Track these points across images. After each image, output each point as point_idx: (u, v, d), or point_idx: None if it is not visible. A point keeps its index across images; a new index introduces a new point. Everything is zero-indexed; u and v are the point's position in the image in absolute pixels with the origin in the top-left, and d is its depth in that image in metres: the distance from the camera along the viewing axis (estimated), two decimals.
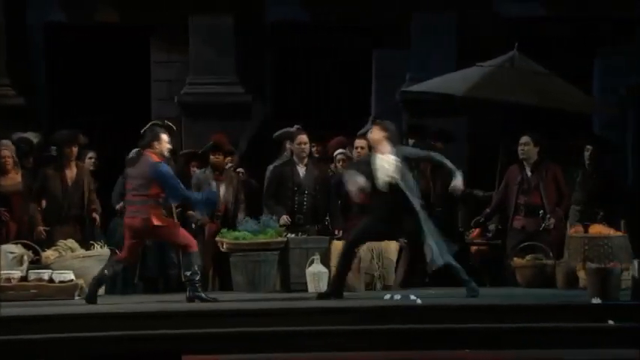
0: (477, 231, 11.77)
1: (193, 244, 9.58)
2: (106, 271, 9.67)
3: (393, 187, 9.54)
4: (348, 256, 9.77)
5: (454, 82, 11.25)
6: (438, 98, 12.15)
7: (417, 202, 9.53)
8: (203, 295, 9.51)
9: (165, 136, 9.58)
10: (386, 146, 9.66)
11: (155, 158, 9.50)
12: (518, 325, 8.51)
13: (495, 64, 11.10)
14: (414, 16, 13.69)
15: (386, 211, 9.59)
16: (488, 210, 11.26)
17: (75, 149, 11.11)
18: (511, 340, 8.37)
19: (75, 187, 11.05)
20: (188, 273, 9.49)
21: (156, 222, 9.45)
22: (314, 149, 11.54)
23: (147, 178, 9.45)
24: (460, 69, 11.59)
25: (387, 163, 9.59)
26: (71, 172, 11.10)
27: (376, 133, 9.74)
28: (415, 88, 11.88)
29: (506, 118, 12.36)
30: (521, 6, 13.80)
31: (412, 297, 9.28)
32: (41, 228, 10.90)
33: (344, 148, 11.63)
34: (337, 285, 9.72)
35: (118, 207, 11.24)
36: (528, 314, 8.69)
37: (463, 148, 13.10)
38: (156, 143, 9.54)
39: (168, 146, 9.63)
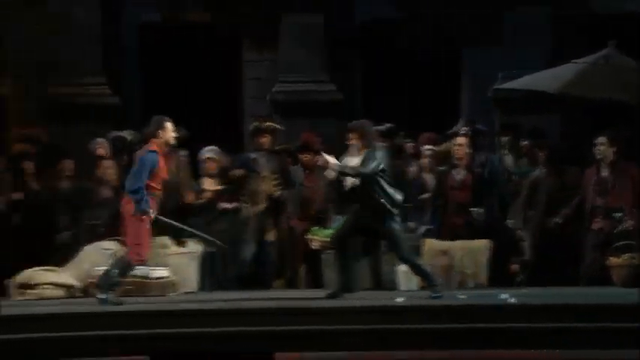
0: None
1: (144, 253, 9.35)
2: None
3: (356, 188, 9.52)
4: (339, 253, 9.71)
5: (546, 79, 11.13)
6: (530, 96, 12.03)
7: (386, 199, 9.43)
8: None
9: (170, 125, 9.44)
10: (354, 149, 9.62)
11: (154, 147, 9.39)
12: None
13: (589, 61, 10.92)
14: (507, 14, 13.58)
15: (357, 207, 9.59)
16: (567, 210, 10.92)
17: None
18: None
19: (174, 178, 11.07)
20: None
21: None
22: (409, 145, 11.61)
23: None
24: (555, 66, 11.46)
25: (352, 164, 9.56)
26: (171, 165, 11.12)
27: (352, 138, 9.64)
28: (507, 85, 11.78)
29: (598, 115, 12.19)
30: (617, 1, 13.60)
31: (503, 296, 9.20)
32: None
33: (433, 144, 11.63)
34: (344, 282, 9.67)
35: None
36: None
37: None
38: (160, 132, 9.43)
39: (174, 134, 9.49)
